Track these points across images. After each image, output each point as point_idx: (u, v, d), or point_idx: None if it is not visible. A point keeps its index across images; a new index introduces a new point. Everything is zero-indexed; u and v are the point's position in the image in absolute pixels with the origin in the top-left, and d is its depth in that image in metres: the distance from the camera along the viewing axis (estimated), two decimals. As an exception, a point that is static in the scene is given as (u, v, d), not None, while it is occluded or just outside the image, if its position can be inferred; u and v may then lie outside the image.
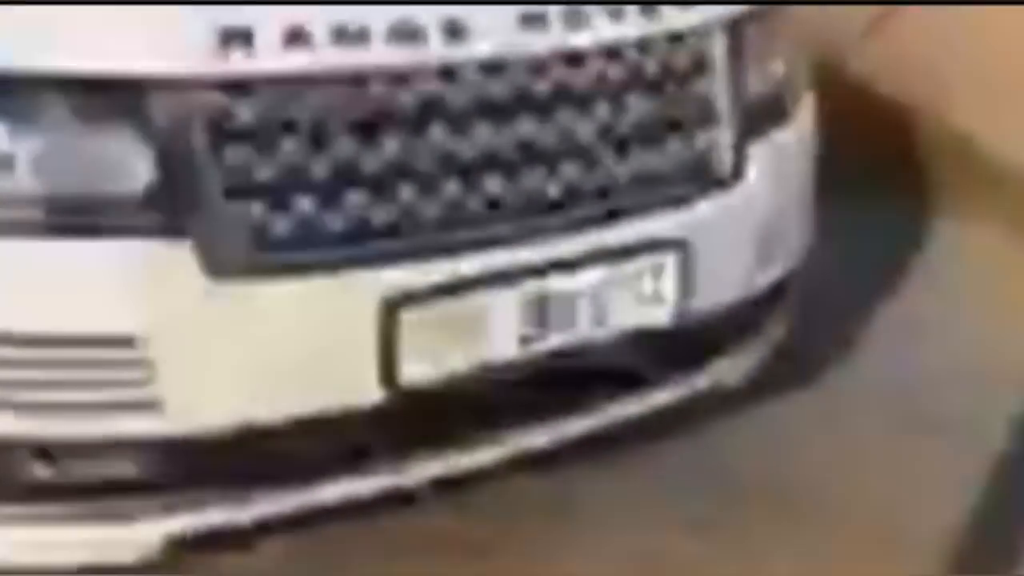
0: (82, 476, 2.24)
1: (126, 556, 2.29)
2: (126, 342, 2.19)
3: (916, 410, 3.28)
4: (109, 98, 2.18)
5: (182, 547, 2.32)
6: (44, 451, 2.23)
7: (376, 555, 2.72)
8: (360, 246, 2.31)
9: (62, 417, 2.21)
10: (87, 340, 2.19)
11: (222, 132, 2.22)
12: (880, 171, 4.29)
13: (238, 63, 2.21)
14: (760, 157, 2.73)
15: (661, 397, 2.73)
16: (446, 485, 2.57)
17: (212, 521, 2.32)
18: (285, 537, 2.61)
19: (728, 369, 2.85)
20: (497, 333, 2.40)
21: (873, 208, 4.13)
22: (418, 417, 2.39)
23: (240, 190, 2.23)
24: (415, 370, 2.34)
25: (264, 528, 2.44)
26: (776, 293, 2.91)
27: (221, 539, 2.41)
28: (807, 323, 3.31)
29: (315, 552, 2.69)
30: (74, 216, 2.18)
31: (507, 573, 2.71)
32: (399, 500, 2.55)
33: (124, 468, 2.25)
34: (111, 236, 2.18)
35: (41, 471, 2.23)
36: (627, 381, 2.66)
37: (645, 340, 2.59)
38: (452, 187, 2.38)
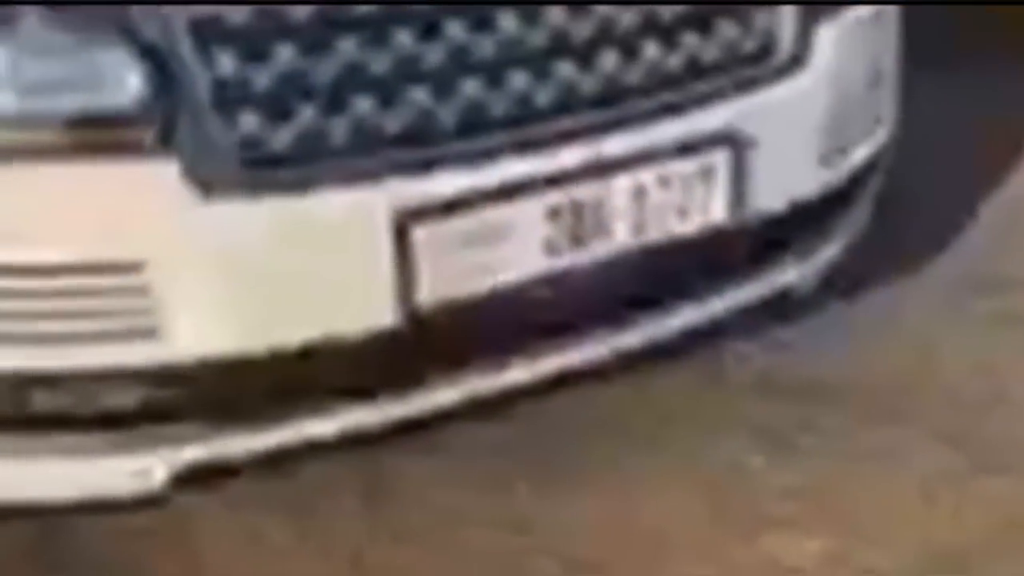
0: (83, 408, 2.11)
1: (132, 489, 2.17)
2: (120, 268, 2.05)
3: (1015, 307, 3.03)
4: (91, 8, 2.00)
5: (192, 478, 2.21)
6: (44, 382, 2.10)
7: (421, 477, 2.59)
8: (367, 157, 2.11)
9: (59, 348, 2.07)
10: (80, 267, 2.04)
11: (212, 38, 2.04)
12: (989, 34, 3.98)
13: None
14: (829, 39, 2.46)
15: (720, 305, 2.51)
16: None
17: (224, 452, 2.18)
18: (322, 460, 2.48)
19: (798, 272, 2.62)
20: (523, 248, 2.20)
21: (982, 74, 3.82)
22: (443, 339, 2.22)
23: (234, 100, 2.05)
24: (434, 290, 2.16)
25: (296, 452, 2.31)
26: (853, 187, 2.66)
27: (248, 465, 2.28)
28: (900, 211, 3.08)
29: (352, 475, 2.57)
30: (59, 135, 2.01)
31: (560, 498, 2.55)
32: (445, 417, 2.41)
33: (126, 399, 2.12)
34: (98, 155, 2.02)
35: (41, 402, 2.11)
36: (680, 288, 2.46)
37: (699, 244, 2.38)
38: (471, 87, 2.17)
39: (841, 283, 2.83)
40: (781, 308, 2.72)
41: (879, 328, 2.96)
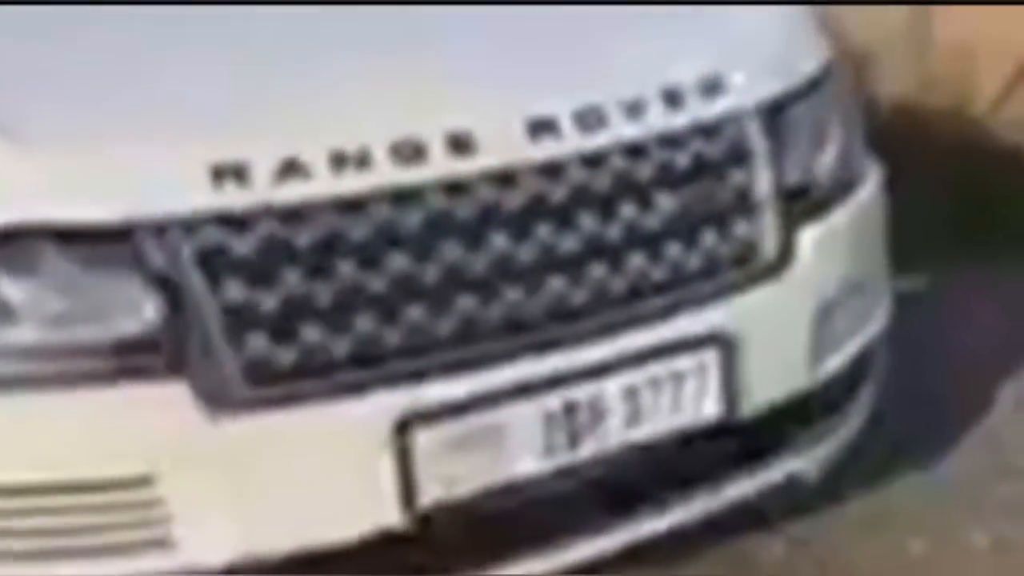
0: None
1: None
2: (133, 483, 2.18)
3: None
4: (104, 243, 2.18)
5: None
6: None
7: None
8: (368, 370, 2.25)
9: (76, 561, 2.19)
10: (95, 485, 2.17)
11: (219, 268, 2.20)
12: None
13: (232, 198, 2.20)
14: (813, 239, 2.59)
15: (725, 495, 2.59)
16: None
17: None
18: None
19: (801, 462, 2.70)
20: (520, 449, 2.32)
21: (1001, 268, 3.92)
22: (448, 537, 2.33)
23: (241, 324, 2.20)
24: (436, 492, 2.28)
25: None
26: (851, 377, 2.77)
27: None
28: (916, 399, 3.15)
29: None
30: (76, 363, 2.17)
31: None
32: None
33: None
34: (113, 380, 2.17)
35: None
36: (683, 480, 2.55)
37: (695, 439, 2.48)
38: (466, 302, 2.31)
39: (853, 470, 2.91)
40: (793, 497, 2.81)
41: (895, 515, 3.00)
